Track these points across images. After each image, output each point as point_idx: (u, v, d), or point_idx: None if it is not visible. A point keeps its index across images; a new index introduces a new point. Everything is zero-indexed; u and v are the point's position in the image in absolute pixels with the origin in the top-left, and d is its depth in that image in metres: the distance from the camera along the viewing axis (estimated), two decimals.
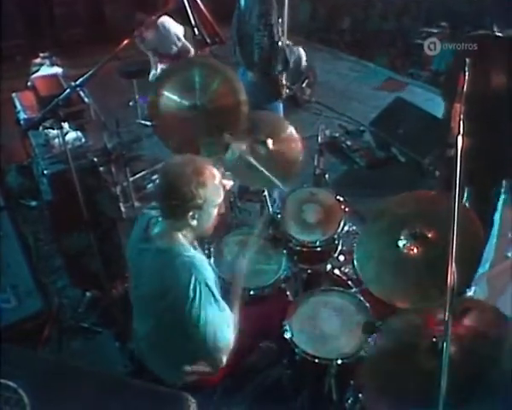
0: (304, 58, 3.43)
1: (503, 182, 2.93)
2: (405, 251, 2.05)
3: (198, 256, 1.87)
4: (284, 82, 3.58)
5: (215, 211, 1.91)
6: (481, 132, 2.10)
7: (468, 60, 1.69)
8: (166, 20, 4.37)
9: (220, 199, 1.92)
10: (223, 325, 1.87)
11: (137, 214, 2.13)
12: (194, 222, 1.84)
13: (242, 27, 3.53)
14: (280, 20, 3.46)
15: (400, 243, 2.07)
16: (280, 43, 3.37)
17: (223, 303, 1.89)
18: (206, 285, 1.79)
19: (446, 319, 1.34)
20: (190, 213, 1.82)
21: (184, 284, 1.76)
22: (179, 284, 1.77)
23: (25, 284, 2.67)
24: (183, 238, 1.88)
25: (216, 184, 1.88)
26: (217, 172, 1.91)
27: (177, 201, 1.80)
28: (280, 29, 3.44)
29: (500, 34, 2.45)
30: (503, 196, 3.00)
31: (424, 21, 6.79)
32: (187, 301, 1.75)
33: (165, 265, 1.81)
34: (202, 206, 1.83)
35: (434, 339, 1.54)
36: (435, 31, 6.45)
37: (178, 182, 1.79)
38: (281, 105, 3.73)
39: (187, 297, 1.75)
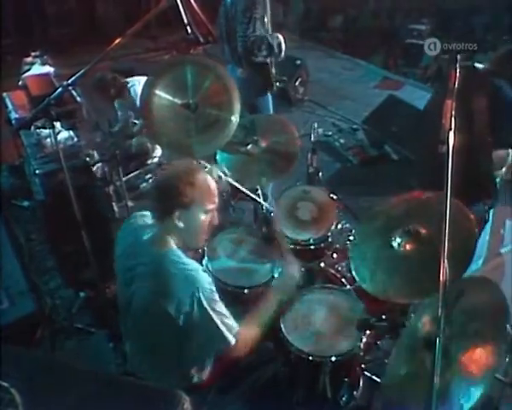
0: (283, 42, 3.47)
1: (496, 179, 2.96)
2: (400, 249, 2.05)
3: (193, 264, 1.82)
4: (274, 73, 3.59)
5: (204, 218, 1.86)
6: (471, 133, 2.14)
7: (459, 56, 1.70)
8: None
9: (212, 206, 1.87)
10: (226, 328, 1.81)
11: (130, 214, 2.12)
12: (181, 224, 1.80)
13: (229, 24, 3.55)
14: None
15: (394, 242, 2.07)
16: (261, 32, 3.39)
17: (222, 307, 1.83)
18: (202, 294, 1.74)
19: (439, 314, 1.34)
20: (176, 213, 1.79)
21: (183, 292, 1.73)
22: (178, 292, 1.73)
23: (17, 285, 2.66)
24: (175, 244, 1.84)
25: (207, 189, 1.84)
26: (211, 179, 1.88)
27: (163, 196, 1.79)
28: (266, 22, 3.46)
29: (479, 66, 2.54)
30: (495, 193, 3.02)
31: (414, 19, 6.82)
32: (184, 312, 1.73)
33: (161, 271, 1.77)
34: (189, 206, 1.79)
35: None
36: (424, 28, 6.49)
37: (168, 180, 1.80)
38: (270, 101, 3.74)
39: (186, 306, 1.73)
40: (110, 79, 3.92)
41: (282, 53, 3.52)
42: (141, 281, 1.84)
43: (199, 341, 1.84)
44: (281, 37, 3.52)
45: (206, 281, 1.79)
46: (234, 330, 1.82)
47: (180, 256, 1.81)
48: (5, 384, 1.24)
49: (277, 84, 3.67)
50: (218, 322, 1.78)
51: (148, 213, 1.96)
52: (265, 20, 3.46)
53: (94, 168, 3.30)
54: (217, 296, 1.81)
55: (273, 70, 3.56)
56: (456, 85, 1.61)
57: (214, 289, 1.82)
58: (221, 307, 1.81)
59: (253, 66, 3.52)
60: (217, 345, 1.86)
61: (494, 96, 2.63)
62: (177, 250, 1.83)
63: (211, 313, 1.76)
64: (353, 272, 2.11)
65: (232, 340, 1.81)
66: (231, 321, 1.84)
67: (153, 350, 1.93)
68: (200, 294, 1.74)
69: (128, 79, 4.07)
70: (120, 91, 3.97)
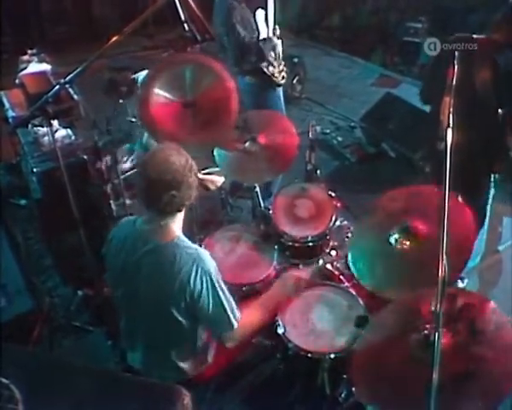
0: (280, 45, 3.44)
1: (492, 176, 2.96)
2: (398, 245, 2.05)
3: (200, 249, 1.86)
4: (273, 71, 3.52)
5: None
6: (469, 127, 2.13)
7: (457, 53, 1.70)
8: None
9: None
10: (231, 312, 1.86)
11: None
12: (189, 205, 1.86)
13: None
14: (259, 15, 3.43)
15: (392, 238, 2.08)
16: (248, 39, 3.31)
17: (228, 293, 1.87)
18: (212, 276, 1.79)
19: (437, 310, 1.34)
20: (192, 200, 1.83)
21: (191, 278, 1.76)
22: (189, 275, 1.76)
23: (15, 284, 2.65)
24: (178, 231, 1.86)
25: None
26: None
27: (179, 193, 1.76)
28: (255, 25, 3.40)
29: (479, 36, 2.54)
30: (492, 190, 3.03)
31: (411, 17, 6.82)
32: (195, 295, 1.76)
33: (170, 260, 1.78)
34: (195, 188, 1.84)
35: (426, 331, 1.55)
36: (420, 26, 6.49)
37: (183, 175, 1.76)
38: (281, 97, 3.69)
39: (194, 290, 1.76)
40: (120, 78, 3.88)
41: (280, 57, 3.47)
42: (148, 273, 1.84)
43: (206, 324, 1.89)
44: (275, 40, 3.46)
45: (213, 264, 1.84)
46: (236, 316, 1.87)
47: (186, 241, 1.84)
48: (5, 381, 1.24)
49: (282, 78, 3.57)
50: (225, 304, 1.82)
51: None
52: (268, 17, 3.42)
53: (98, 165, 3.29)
54: (221, 281, 1.85)
55: (271, 68, 3.50)
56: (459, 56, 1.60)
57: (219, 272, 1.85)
58: (226, 290, 1.86)
59: (249, 72, 3.48)
60: (221, 328, 1.87)
61: (497, 68, 2.60)
62: (183, 236, 1.86)
63: (220, 294, 1.80)
64: (351, 265, 2.11)
65: (235, 324, 1.85)
66: (234, 306, 1.88)
67: (161, 341, 1.94)
68: (209, 276, 1.78)
69: (135, 75, 4.04)
70: (131, 88, 3.94)
